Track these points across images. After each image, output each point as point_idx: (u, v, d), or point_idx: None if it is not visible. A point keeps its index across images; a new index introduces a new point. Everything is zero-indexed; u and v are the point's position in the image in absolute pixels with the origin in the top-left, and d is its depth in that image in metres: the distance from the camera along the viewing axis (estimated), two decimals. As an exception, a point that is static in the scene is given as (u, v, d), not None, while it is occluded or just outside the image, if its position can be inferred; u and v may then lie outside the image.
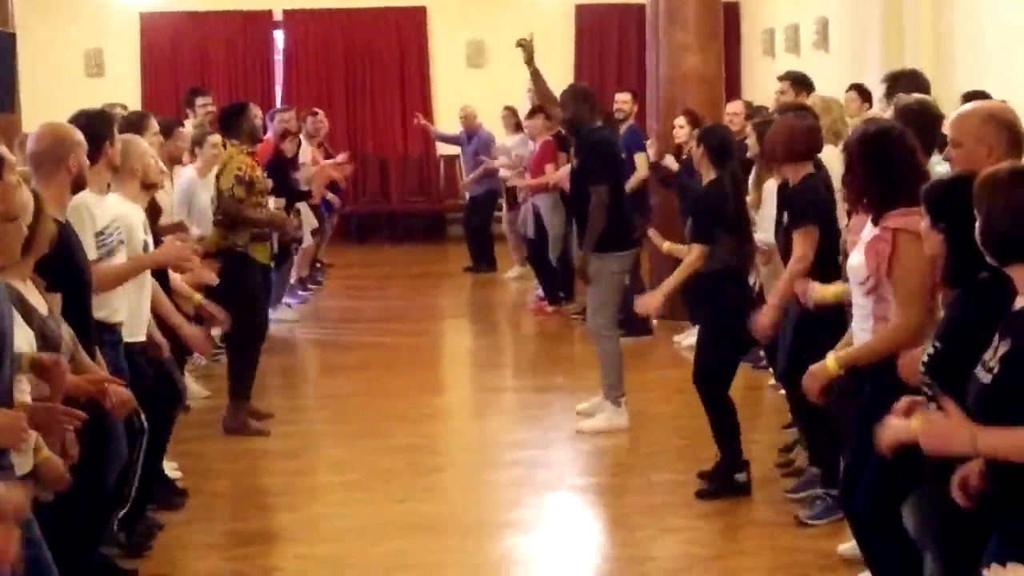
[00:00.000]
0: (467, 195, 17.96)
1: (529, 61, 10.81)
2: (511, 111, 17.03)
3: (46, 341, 4.94)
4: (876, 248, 5.40)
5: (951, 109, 9.65)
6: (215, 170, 9.91)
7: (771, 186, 8.09)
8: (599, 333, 9.53)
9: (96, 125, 6.45)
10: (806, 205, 7.10)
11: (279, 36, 21.20)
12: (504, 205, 17.04)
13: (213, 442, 9.19)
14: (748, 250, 8.04)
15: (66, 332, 5.21)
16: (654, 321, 12.42)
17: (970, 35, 12.39)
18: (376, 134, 21.28)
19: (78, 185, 5.91)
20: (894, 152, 5.55)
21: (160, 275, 7.50)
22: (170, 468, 8.09)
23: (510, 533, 7.48)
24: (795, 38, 17.40)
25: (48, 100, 18.08)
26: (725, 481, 7.88)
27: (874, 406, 5.04)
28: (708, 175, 8.17)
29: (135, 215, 7.01)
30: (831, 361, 5.66)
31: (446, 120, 20.08)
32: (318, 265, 16.57)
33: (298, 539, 7.40)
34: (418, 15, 21.05)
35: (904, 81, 7.90)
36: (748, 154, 8.81)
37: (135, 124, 8.00)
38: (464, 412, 10.82)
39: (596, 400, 9.63)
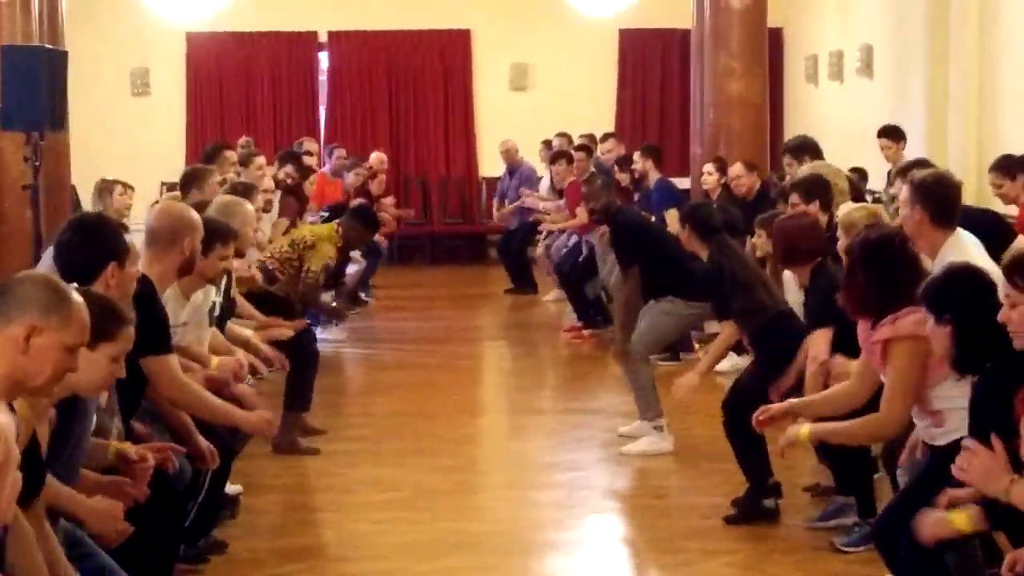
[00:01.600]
0: (507, 227, 17.96)
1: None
2: (547, 145, 17.16)
3: (96, 431, 5.02)
4: (876, 362, 5.60)
5: (999, 136, 9.76)
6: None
7: (788, 276, 8.24)
8: (632, 356, 9.57)
9: (210, 235, 6.51)
10: (821, 306, 7.11)
11: (323, 57, 21.31)
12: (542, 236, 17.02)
13: (259, 459, 9.22)
14: (770, 293, 8.05)
15: (115, 426, 5.27)
16: (696, 344, 12.45)
17: (1017, 62, 12.38)
18: (419, 156, 21.35)
19: (187, 267, 6.02)
20: (895, 260, 5.64)
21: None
22: (232, 488, 8.12)
23: (553, 553, 7.53)
24: (839, 64, 17.39)
25: (94, 119, 18.34)
26: (753, 507, 7.89)
27: (937, 465, 5.14)
28: (701, 253, 8.33)
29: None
30: (805, 431, 5.79)
31: (488, 142, 20.17)
32: (368, 287, 16.69)
33: (343, 556, 7.45)
34: (462, 38, 21.13)
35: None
36: (757, 253, 8.80)
37: (242, 194, 8.19)
38: (505, 433, 10.85)
39: (638, 423, 9.67)
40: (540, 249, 16.75)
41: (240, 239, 7.22)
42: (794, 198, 8.86)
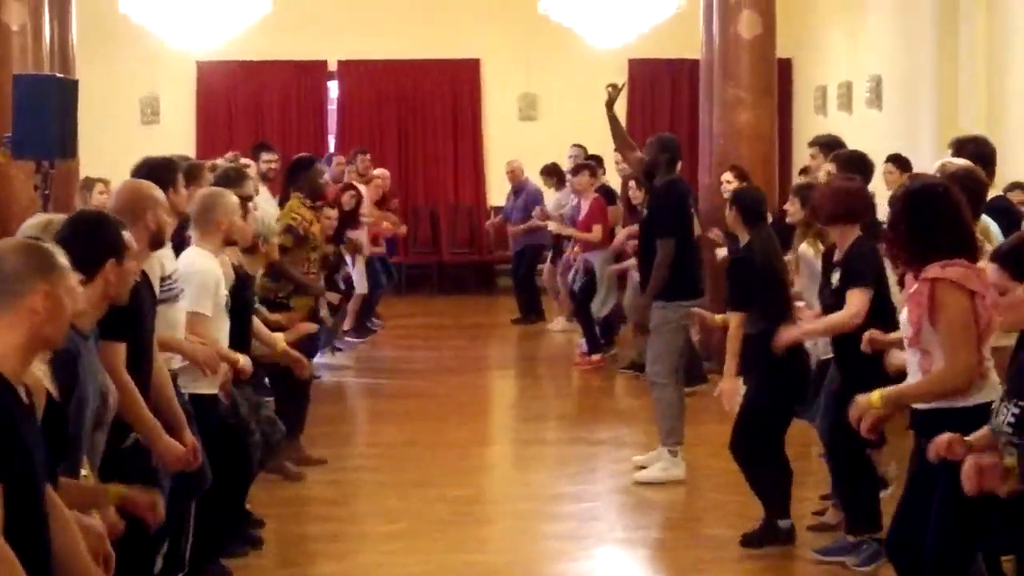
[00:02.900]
0: (515, 249, 17.92)
1: (609, 105, 10.79)
2: (549, 170, 17.13)
3: (103, 400, 5.01)
4: (917, 300, 5.45)
5: (1007, 166, 9.73)
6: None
7: (804, 250, 8.14)
8: (656, 381, 9.54)
9: (158, 173, 6.50)
10: (864, 268, 7.12)
11: (333, 86, 21.35)
12: (548, 257, 17.02)
13: (260, 488, 9.17)
14: (783, 305, 7.97)
15: (114, 391, 5.23)
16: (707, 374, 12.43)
17: (1025, 93, 12.39)
18: (427, 185, 21.36)
19: (156, 242, 5.97)
20: (939, 209, 5.58)
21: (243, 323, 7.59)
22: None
23: (561, 586, 7.50)
24: (848, 95, 17.40)
25: (104, 147, 18.30)
26: (768, 528, 7.85)
27: (935, 469, 5.12)
28: (742, 237, 8.21)
29: (217, 269, 7.03)
30: (876, 397, 5.70)
31: (497, 172, 20.15)
32: (375, 319, 16.63)
33: (349, 587, 7.43)
34: (471, 67, 21.17)
35: (969, 146, 7.89)
36: (788, 219, 8.80)
37: (234, 180, 8.14)
38: (512, 463, 10.83)
39: (653, 452, 9.64)
40: (546, 275, 16.71)
41: (229, 227, 7.17)
42: (812, 151, 8.87)
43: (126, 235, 4.98)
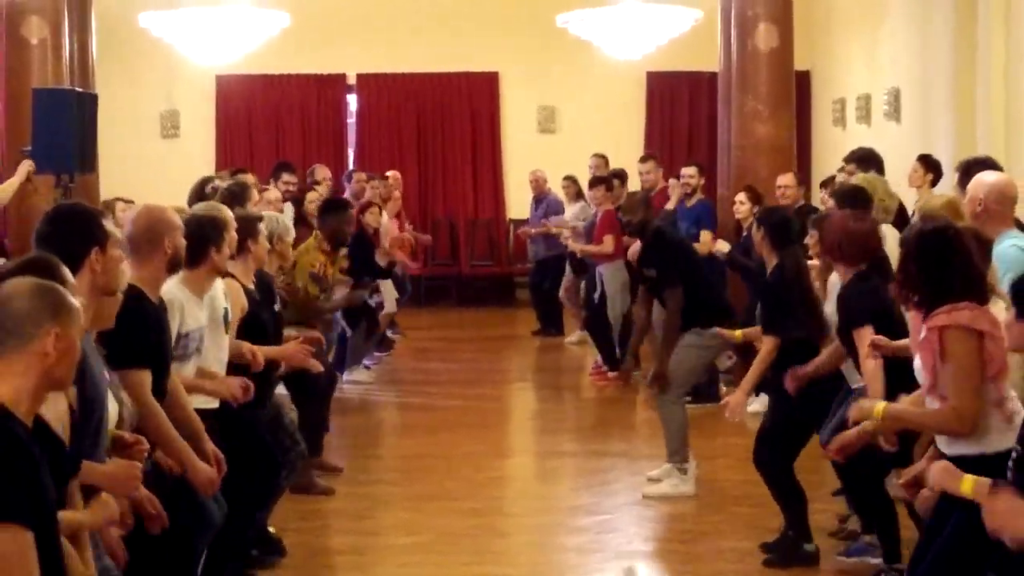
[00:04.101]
0: (535, 259, 17.94)
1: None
2: (571, 180, 17.15)
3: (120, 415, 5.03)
4: (928, 348, 5.48)
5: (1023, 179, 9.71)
6: None
7: (835, 279, 8.10)
8: (664, 399, 9.54)
9: (204, 229, 6.49)
10: (861, 307, 7.07)
11: (352, 100, 21.41)
12: (568, 271, 16.99)
13: (281, 501, 9.21)
14: (817, 324, 7.92)
15: (124, 399, 5.24)
16: (723, 387, 12.40)
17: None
18: (446, 198, 21.41)
19: (174, 266, 5.97)
20: (949, 253, 5.59)
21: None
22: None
23: (578, 598, 7.50)
24: (866, 108, 17.38)
25: (124, 161, 18.43)
26: (793, 551, 7.84)
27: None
28: (770, 259, 8.14)
29: (218, 285, 7.04)
30: (879, 408, 5.76)
31: (516, 185, 20.20)
32: (393, 329, 16.67)
33: (367, 599, 7.44)
34: (490, 80, 21.21)
35: (976, 169, 7.88)
36: (810, 252, 8.72)
37: (238, 195, 8.18)
38: (531, 476, 10.83)
39: (666, 466, 9.64)
40: (562, 291, 16.70)
41: (229, 243, 7.19)
42: (849, 167, 9.06)
43: (106, 223, 4.94)
